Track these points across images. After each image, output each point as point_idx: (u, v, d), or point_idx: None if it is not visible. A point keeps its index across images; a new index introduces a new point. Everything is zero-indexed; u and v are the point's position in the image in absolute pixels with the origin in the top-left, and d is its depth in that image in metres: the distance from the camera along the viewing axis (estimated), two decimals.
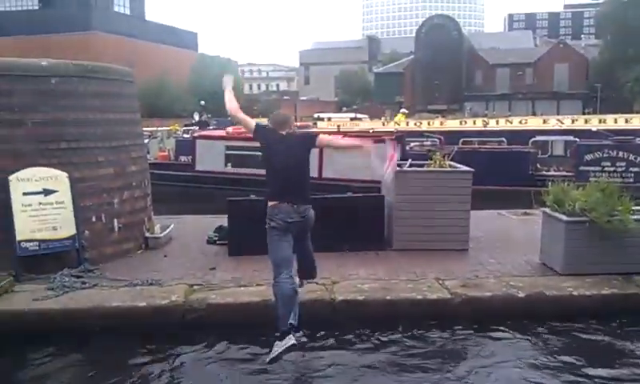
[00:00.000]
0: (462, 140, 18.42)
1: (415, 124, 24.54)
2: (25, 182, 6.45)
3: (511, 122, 24.02)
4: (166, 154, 19.68)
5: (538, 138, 18.82)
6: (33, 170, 6.53)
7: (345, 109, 61.33)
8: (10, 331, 5.35)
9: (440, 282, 6.26)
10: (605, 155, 14.83)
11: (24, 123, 6.56)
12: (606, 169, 14.52)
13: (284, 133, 4.90)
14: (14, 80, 6.59)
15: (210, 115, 38.80)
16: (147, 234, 7.96)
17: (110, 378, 4.80)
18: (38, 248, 6.48)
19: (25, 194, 6.43)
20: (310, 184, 5.03)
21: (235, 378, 4.79)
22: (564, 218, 6.37)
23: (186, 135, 23.12)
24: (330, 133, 18.77)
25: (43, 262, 6.49)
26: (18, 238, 6.35)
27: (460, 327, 5.58)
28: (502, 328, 5.58)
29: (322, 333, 5.44)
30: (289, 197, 4.77)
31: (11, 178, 6.37)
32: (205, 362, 5.04)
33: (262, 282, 6.09)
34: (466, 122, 24.91)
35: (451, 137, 18.77)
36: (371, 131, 20.29)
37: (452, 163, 8.14)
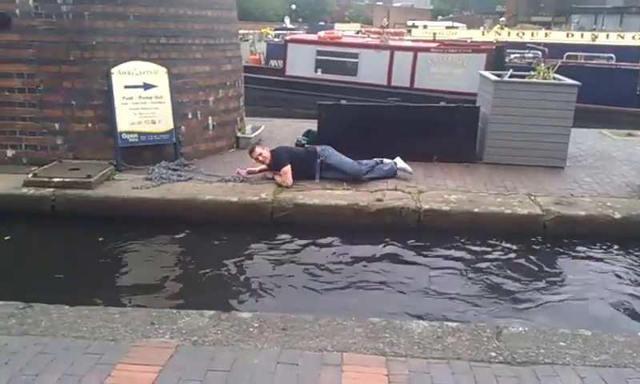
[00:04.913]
0: (566, 54, 17.19)
1: (517, 34, 23.06)
2: (126, 75, 6.68)
3: (622, 38, 21.98)
4: (257, 57, 19.79)
5: None
6: (134, 63, 6.73)
7: (440, 18, 58.38)
8: (109, 214, 5.78)
9: (532, 197, 6.05)
10: None
11: (126, 17, 6.70)
12: None
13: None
14: None
15: (300, 20, 38.27)
16: (239, 134, 8.15)
17: (196, 262, 5.09)
18: (137, 140, 6.80)
19: (126, 87, 6.69)
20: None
21: (322, 269, 4.93)
22: None
23: (276, 39, 23.04)
24: (425, 41, 18.12)
25: (142, 154, 6.83)
26: (119, 129, 6.66)
27: (549, 244, 5.41)
28: (594, 248, 5.36)
29: (408, 240, 5.46)
30: None
31: (113, 70, 6.61)
32: (290, 256, 5.20)
33: (348, 187, 6.18)
34: (572, 35, 23.08)
35: (555, 50, 17.52)
36: (469, 41, 19.32)
37: (557, 76, 7.64)
